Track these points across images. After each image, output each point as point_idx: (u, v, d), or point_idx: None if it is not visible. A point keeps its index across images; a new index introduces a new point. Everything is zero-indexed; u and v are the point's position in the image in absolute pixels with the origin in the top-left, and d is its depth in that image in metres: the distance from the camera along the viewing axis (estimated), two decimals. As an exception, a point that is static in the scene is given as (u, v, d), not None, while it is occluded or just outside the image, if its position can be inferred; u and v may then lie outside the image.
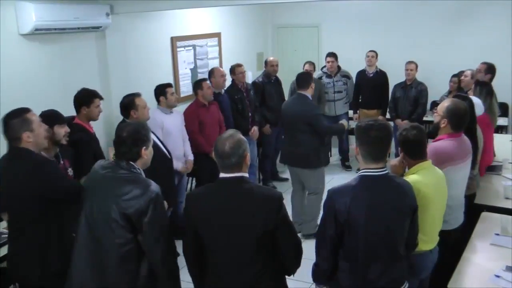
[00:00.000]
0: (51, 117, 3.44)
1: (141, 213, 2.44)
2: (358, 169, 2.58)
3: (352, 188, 2.47)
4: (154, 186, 2.52)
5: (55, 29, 4.67)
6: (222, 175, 2.42)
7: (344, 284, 2.53)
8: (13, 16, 4.44)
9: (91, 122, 4.25)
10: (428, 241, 2.86)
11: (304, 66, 6.97)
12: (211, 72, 5.97)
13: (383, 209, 2.44)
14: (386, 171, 2.51)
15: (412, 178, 2.74)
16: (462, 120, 3.22)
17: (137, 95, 4.37)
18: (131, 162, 2.58)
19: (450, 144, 3.18)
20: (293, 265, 2.52)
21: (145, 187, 2.48)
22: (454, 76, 6.53)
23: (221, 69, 6.08)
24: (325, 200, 2.53)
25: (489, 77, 4.96)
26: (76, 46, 5.13)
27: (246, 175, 2.45)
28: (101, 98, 4.21)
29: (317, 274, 2.64)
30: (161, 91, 4.98)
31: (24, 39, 4.56)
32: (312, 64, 7.04)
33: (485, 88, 4.38)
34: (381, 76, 7.12)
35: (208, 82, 5.51)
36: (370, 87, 7.12)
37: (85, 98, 4.12)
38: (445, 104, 3.26)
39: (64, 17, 4.66)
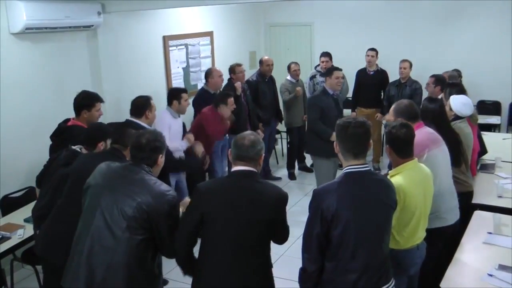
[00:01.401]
0: None
1: (161, 215, 2.55)
2: (340, 165, 2.60)
3: (338, 184, 2.48)
4: (172, 191, 2.66)
5: (46, 28, 4.64)
6: (236, 168, 2.56)
7: (328, 286, 2.49)
8: (3, 15, 4.41)
9: None
10: (410, 241, 2.85)
11: (290, 66, 6.91)
12: (209, 73, 5.92)
13: (370, 203, 2.45)
14: (368, 168, 2.55)
15: (396, 179, 2.75)
16: (410, 111, 3.36)
17: (150, 97, 4.33)
18: (149, 167, 2.70)
19: (422, 132, 3.26)
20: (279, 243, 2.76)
21: (165, 191, 2.62)
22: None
23: (218, 69, 6.02)
24: (311, 200, 2.52)
25: (439, 88, 5.03)
26: (68, 45, 5.10)
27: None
28: (102, 101, 4.11)
29: (304, 278, 2.56)
30: (176, 95, 4.85)
31: (15, 38, 4.53)
32: (297, 64, 6.98)
33: (455, 88, 4.41)
34: (382, 75, 7.07)
35: (232, 99, 5.38)
36: (370, 85, 7.06)
37: (87, 101, 4.01)
38: (391, 108, 3.50)
39: (55, 16, 4.64)
